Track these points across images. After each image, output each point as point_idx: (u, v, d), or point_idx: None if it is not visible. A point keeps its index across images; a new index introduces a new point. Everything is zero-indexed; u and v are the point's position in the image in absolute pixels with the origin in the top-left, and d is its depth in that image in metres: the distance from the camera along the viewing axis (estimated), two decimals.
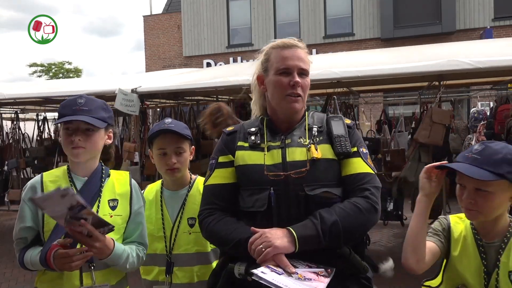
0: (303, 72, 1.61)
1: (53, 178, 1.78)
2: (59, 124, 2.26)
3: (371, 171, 1.58)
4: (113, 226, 1.62)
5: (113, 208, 1.76)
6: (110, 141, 1.85)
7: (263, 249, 1.40)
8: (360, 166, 1.58)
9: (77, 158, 1.73)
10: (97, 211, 1.71)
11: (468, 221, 1.63)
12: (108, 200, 1.76)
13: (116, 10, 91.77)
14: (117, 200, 1.78)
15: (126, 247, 1.75)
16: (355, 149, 1.60)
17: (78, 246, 1.63)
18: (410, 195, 4.94)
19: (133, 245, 1.81)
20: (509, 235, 1.55)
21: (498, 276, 1.52)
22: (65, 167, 1.81)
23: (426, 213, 1.57)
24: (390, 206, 5.52)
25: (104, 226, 1.58)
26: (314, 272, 1.40)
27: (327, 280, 1.36)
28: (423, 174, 1.58)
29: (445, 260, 1.66)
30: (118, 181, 1.83)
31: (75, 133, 1.70)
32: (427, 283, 1.70)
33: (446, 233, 1.65)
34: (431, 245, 1.60)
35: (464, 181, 1.52)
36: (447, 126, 4.96)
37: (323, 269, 1.42)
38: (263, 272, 1.34)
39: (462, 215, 1.61)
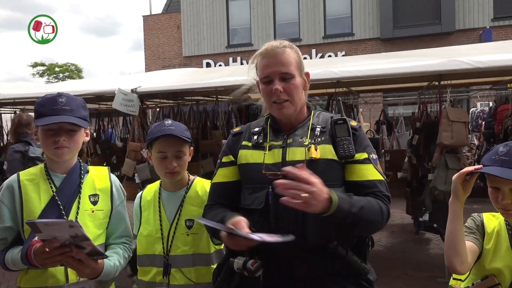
0: (286, 76, 1.60)
1: (30, 176, 1.77)
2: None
3: (382, 178, 1.59)
4: (107, 256, 1.67)
5: (94, 203, 1.78)
6: (88, 138, 1.86)
7: (302, 194, 1.31)
8: (372, 173, 1.57)
9: (61, 158, 1.73)
10: (78, 207, 1.73)
11: (502, 218, 1.67)
12: (89, 196, 1.78)
13: (114, 9, 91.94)
14: (98, 195, 1.80)
15: (115, 260, 1.77)
16: (365, 155, 1.59)
17: None
18: (443, 202, 4.39)
19: (120, 249, 1.83)
20: None
21: None
22: (42, 165, 1.81)
23: (461, 215, 1.59)
24: (426, 217, 5.06)
25: (99, 255, 1.63)
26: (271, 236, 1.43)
27: (277, 238, 1.40)
28: (457, 179, 1.58)
29: None
30: (98, 177, 1.84)
31: (59, 133, 1.70)
32: (455, 276, 1.75)
33: (481, 230, 1.69)
34: (470, 244, 1.64)
35: (497, 183, 1.55)
36: (467, 123, 4.69)
37: (280, 235, 1.44)
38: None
39: (496, 214, 1.66)
